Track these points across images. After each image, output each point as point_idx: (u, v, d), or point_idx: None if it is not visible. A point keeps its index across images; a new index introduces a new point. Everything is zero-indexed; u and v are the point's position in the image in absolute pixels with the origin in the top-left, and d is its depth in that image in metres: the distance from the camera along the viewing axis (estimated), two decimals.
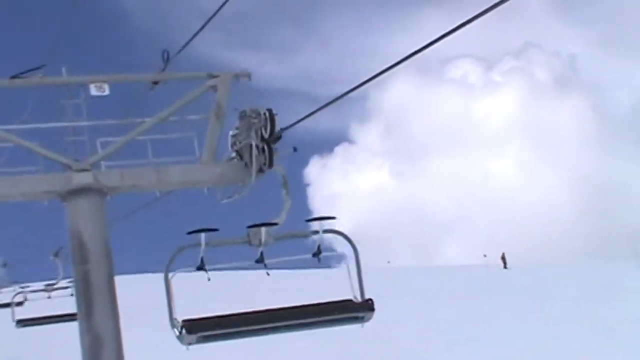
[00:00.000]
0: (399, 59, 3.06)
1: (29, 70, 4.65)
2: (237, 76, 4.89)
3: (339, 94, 3.82)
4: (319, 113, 4.15)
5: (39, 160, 4.58)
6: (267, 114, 4.40)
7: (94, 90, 4.69)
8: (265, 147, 4.43)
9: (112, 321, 4.39)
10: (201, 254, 4.25)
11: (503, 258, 42.55)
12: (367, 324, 4.54)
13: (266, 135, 4.42)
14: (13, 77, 4.67)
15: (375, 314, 4.44)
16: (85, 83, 4.69)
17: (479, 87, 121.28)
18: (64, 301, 10.40)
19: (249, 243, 4.58)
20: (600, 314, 25.87)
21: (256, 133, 4.48)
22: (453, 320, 26.45)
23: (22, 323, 11.15)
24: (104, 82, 4.71)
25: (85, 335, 4.32)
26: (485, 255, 44.32)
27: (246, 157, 4.64)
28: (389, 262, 59.04)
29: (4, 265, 20.77)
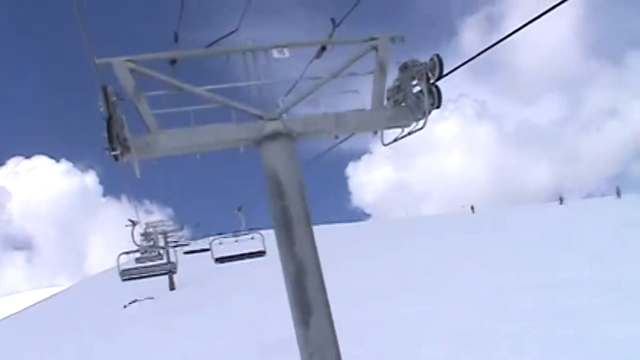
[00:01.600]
0: None
1: (222, 37, 5.43)
2: (393, 38, 5.51)
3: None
4: None
5: (233, 115, 5.34)
6: (437, 58, 4.95)
7: (276, 54, 5.44)
8: (434, 89, 5.03)
9: (311, 249, 4.92)
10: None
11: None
12: None
13: (433, 79, 5.03)
14: (208, 45, 5.48)
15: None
16: (268, 49, 5.43)
17: None
18: (249, 244, 15.82)
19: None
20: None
21: (423, 77, 5.07)
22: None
23: (220, 260, 16.41)
24: (285, 47, 5.45)
25: (290, 262, 4.86)
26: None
27: (409, 102, 5.33)
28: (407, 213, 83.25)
29: (197, 224, 30.49)
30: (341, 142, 6.13)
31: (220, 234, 17.41)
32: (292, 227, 4.88)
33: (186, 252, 32.34)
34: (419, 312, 17.08)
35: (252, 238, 16.11)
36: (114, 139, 4.59)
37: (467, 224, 44.61)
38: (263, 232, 15.64)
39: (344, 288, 20.18)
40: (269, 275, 30.09)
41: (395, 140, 5.70)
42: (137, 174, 5.35)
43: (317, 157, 8.24)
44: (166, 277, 36.25)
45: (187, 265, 40.81)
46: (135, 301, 32.79)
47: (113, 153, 4.67)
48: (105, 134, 4.54)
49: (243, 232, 15.95)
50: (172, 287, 36.92)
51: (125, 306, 31.99)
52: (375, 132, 5.80)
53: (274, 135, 5.06)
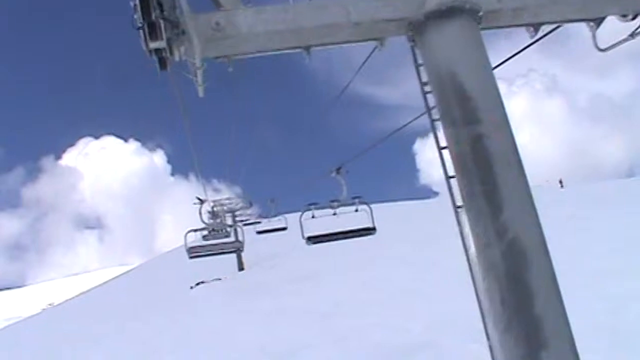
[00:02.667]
0: None
1: None
2: None
3: None
4: None
5: None
6: None
7: None
8: None
9: (532, 218, 2.80)
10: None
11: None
12: None
13: None
14: None
15: None
16: None
17: None
18: (350, 218, 12.24)
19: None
20: None
21: None
22: None
23: (313, 240, 12.43)
24: None
25: (494, 243, 2.73)
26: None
27: None
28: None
29: (272, 201, 25.05)
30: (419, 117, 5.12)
31: (313, 204, 13.19)
32: (495, 175, 2.68)
33: (259, 232, 30.68)
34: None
35: (357, 210, 12.69)
36: (153, 14, 2.59)
37: (566, 197, 40.33)
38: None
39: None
40: (356, 258, 27.81)
41: (617, 44, 3.89)
42: (201, 92, 3.73)
43: (394, 132, 7.89)
44: (234, 257, 34.64)
45: (258, 245, 38.91)
46: (202, 282, 30.93)
47: (153, 45, 2.62)
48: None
49: (342, 203, 12.55)
50: (241, 267, 35.00)
51: (192, 287, 30.13)
52: (592, 24, 3.75)
53: (448, 12, 2.85)
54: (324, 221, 12.26)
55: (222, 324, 19.19)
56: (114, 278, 63.52)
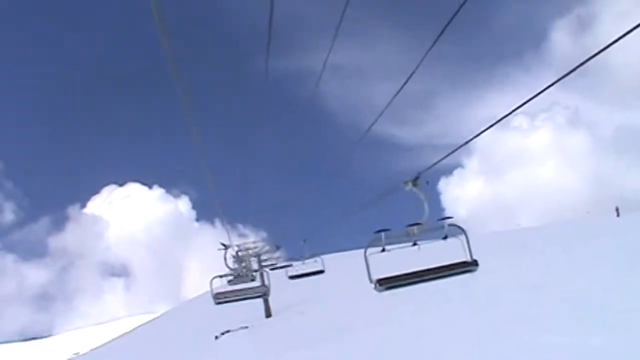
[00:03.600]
0: None
1: None
2: None
3: None
4: None
5: None
6: None
7: None
8: None
9: None
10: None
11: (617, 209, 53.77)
12: None
13: None
14: None
15: None
16: None
17: None
18: None
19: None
20: None
21: None
22: None
23: (383, 284, 9.71)
24: None
25: None
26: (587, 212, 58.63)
27: None
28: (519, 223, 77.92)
29: (305, 240, 24.34)
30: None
31: (383, 230, 12.51)
32: None
33: (292, 277, 29.12)
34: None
35: (446, 237, 10.31)
36: None
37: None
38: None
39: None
40: (380, 305, 25.75)
41: None
42: None
43: (428, 169, 8.49)
44: (261, 303, 32.81)
45: (285, 290, 37.00)
46: (227, 332, 29.05)
47: None
48: None
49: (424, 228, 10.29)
50: (268, 314, 33.07)
51: (217, 337, 28.27)
52: None
53: None
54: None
55: None
56: (137, 327, 61.87)
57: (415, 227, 8.73)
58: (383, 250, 8.74)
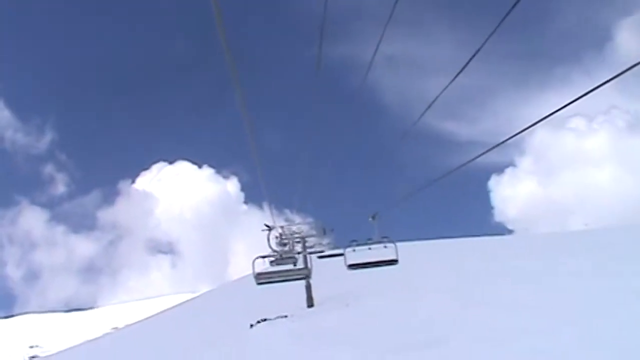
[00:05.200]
0: None
1: None
2: None
3: None
4: None
5: None
6: None
7: None
8: None
9: None
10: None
11: None
12: None
13: None
14: None
15: None
16: None
17: None
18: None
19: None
20: None
21: None
22: None
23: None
24: None
25: None
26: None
27: None
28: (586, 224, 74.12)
29: (332, 230, 26.26)
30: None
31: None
32: None
33: (320, 257, 29.99)
34: None
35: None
36: None
37: None
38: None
39: None
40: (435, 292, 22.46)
41: None
42: None
43: (460, 167, 8.91)
44: (303, 292, 30.07)
45: (333, 282, 34.09)
46: (264, 320, 26.20)
47: None
48: None
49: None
50: (310, 303, 30.14)
51: (252, 325, 25.44)
52: None
53: None
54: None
55: None
56: (174, 306, 60.23)
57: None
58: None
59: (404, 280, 26.44)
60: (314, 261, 32.57)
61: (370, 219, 16.20)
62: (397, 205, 14.39)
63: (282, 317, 26.18)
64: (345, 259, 16.16)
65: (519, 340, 13.44)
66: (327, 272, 38.27)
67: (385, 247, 15.90)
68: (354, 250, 16.24)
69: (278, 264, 21.78)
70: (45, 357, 49.89)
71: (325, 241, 32.18)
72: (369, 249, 16.08)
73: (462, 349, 14.26)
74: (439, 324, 17.74)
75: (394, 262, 16.17)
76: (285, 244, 30.09)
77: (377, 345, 16.47)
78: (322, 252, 33.38)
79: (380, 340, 17.09)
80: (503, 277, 25.32)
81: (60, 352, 47.47)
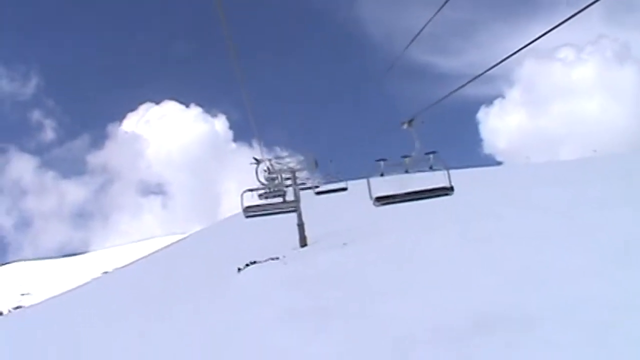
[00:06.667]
0: None
1: None
2: None
3: None
4: None
5: None
6: None
7: None
8: None
9: None
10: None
11: None
12: None
13: None
14: None
15: None
16: None
17: None
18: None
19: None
20: None
21: None
22: None
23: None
24: None
25: None
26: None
27: None
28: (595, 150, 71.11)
29: (331, 161, 27.12)
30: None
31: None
32: None
33: (318, 193, 28.34)
34: None
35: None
36: None
37: None
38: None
39: None
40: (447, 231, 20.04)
41: None
42: None
43: (448, 95, 8.34)
44: (295, 230, 27.63)
45: (325, 221, 31.54)
46: (254, 263, 23.63)
47: None
48: None
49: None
50: (303, 243, 27.65)
51: (239, 269, 22.89)
52: None
53: None
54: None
55: (276, 339, 11.79)
56: (161, 249, 58.17)
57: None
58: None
59: (404, 215, 23.70)
60: (310, 198, 30.04)
61: (404, 126, 10.91)
62: (429, 109, 9.68)
63: (273, 259, 23.62)
64: (369, 191, 11.49)
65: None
66: (322, 209, 35.83)
67: (431, 167, 11.42)
68: (382, 175, 11.55)
69: (267, 198, 21.01)
70: (29, 306, 47.84)
71: (316, 175, 29.75)
72: (407, 171, 11.55)
73: (478, 290, 11.63)
74: (445, 264, 15.18)
75: (448, 192, 11.85)
76: (274, 179, 27.57)
77: (374, 288, 13.97)
78: (317, 187, 31.16)
79: (379, 283, 14.57)
80: (527, 208, 22.70)
81: (46, 300, 45.44)
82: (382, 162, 11.51)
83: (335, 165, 27.05)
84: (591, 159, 51.08)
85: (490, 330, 9.23)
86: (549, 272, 12.05)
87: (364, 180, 11.54)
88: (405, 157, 11.39)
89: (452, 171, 11.75)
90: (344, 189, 27.33)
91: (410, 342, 9.57)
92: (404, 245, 19.37)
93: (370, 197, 11.45)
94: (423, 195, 11.81)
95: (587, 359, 7.68)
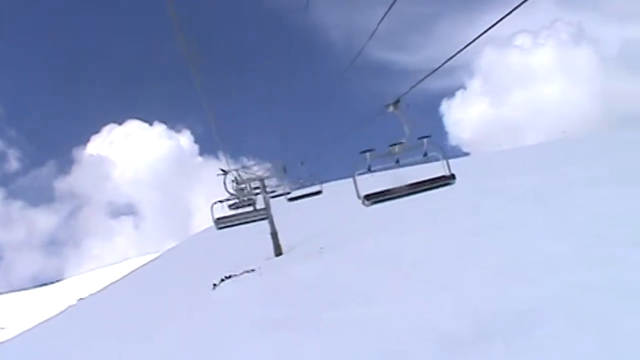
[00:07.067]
0: None
1: None
2: None
3: None
4: None
5: None
6: None
7: None
8: None
9: None
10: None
11: None
12: None
13: None
14: None
15: None
16: None
17: None
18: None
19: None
20: None
21: None
22: None
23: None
24: None
25: None
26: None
27: None
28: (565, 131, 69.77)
29: (302, 163, 25.23)
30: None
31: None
32: None
33: (290, 199, 27.53)
34: None
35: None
36: None
37: None
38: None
39: None
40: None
41: None
42: None
43: (407, 92, 8.33)
44: (268, 239, 26.81)
45: (299, 226, 30.71)
46: (229, 277, 22.69)
47: None
48: None
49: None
50: (278, 251, 26.79)
51: (215, 285, 21.92)
52: None
53: None
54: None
55: (258, 354, 10.95)
56: (132, 271, 56.61)
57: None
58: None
59: (379, 215, 23.13)
60: (283, 205, 29.32)
61: (390, 109, 9.39)
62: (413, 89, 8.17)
63: (248, 271, 22.71)
64: (356, 188, 9.91)
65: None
66: (295, 215, 35.01)
67: (425, 155, 10.08)
68: (369, 170, 10.02)
69: (237, 208, 21.58)
70: (4, 341, 45.88)
71: (285, 182, 28.98)
72: (397, 161, 10.07)
73: (470, 290, 10.99)
74: (430, 264, 14.54)
75: (449, 181, 10.56)
76: (243, 189, 26.75)
77: (355, 295, 13.24)
78: (288, 193, 30.39)
79: (360, 289, 13.83)
80: (503, 197, 22.31)
81: (21, 333, 43.58)
82: (367, 154, 9.94)
83: (308, 168, 26.53)
84: (560, 142, 51.40)
85: (491, 334, 8.54)
86: (538, 262, 11.50)
87: (339, 182, 11.97)
88: (394, 145, 9.87)
89: (419, 167, 10.47)
90: (319, 192, 26.57)
91: (403, 356, 8.82)
92: (384, 247, 18.71)
93: (358, 196, 9.95)
94: (421, 188, 10.46)
95: (595, 352, 7.08)
